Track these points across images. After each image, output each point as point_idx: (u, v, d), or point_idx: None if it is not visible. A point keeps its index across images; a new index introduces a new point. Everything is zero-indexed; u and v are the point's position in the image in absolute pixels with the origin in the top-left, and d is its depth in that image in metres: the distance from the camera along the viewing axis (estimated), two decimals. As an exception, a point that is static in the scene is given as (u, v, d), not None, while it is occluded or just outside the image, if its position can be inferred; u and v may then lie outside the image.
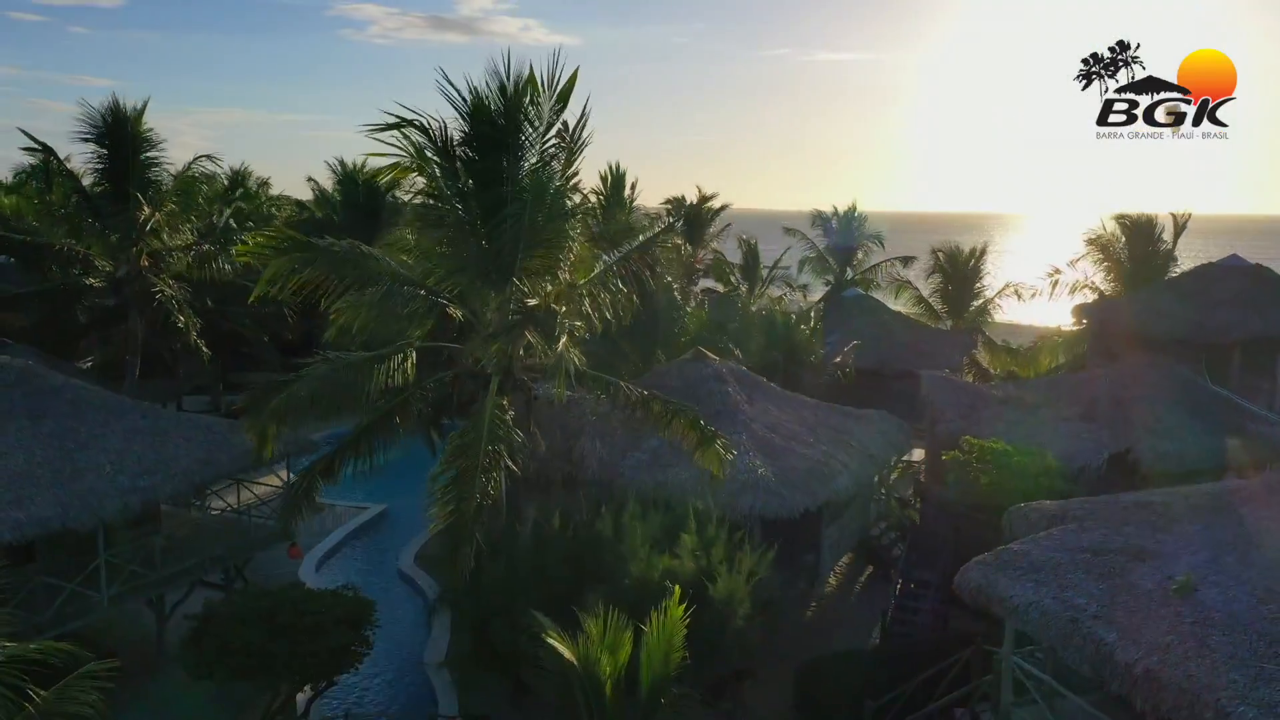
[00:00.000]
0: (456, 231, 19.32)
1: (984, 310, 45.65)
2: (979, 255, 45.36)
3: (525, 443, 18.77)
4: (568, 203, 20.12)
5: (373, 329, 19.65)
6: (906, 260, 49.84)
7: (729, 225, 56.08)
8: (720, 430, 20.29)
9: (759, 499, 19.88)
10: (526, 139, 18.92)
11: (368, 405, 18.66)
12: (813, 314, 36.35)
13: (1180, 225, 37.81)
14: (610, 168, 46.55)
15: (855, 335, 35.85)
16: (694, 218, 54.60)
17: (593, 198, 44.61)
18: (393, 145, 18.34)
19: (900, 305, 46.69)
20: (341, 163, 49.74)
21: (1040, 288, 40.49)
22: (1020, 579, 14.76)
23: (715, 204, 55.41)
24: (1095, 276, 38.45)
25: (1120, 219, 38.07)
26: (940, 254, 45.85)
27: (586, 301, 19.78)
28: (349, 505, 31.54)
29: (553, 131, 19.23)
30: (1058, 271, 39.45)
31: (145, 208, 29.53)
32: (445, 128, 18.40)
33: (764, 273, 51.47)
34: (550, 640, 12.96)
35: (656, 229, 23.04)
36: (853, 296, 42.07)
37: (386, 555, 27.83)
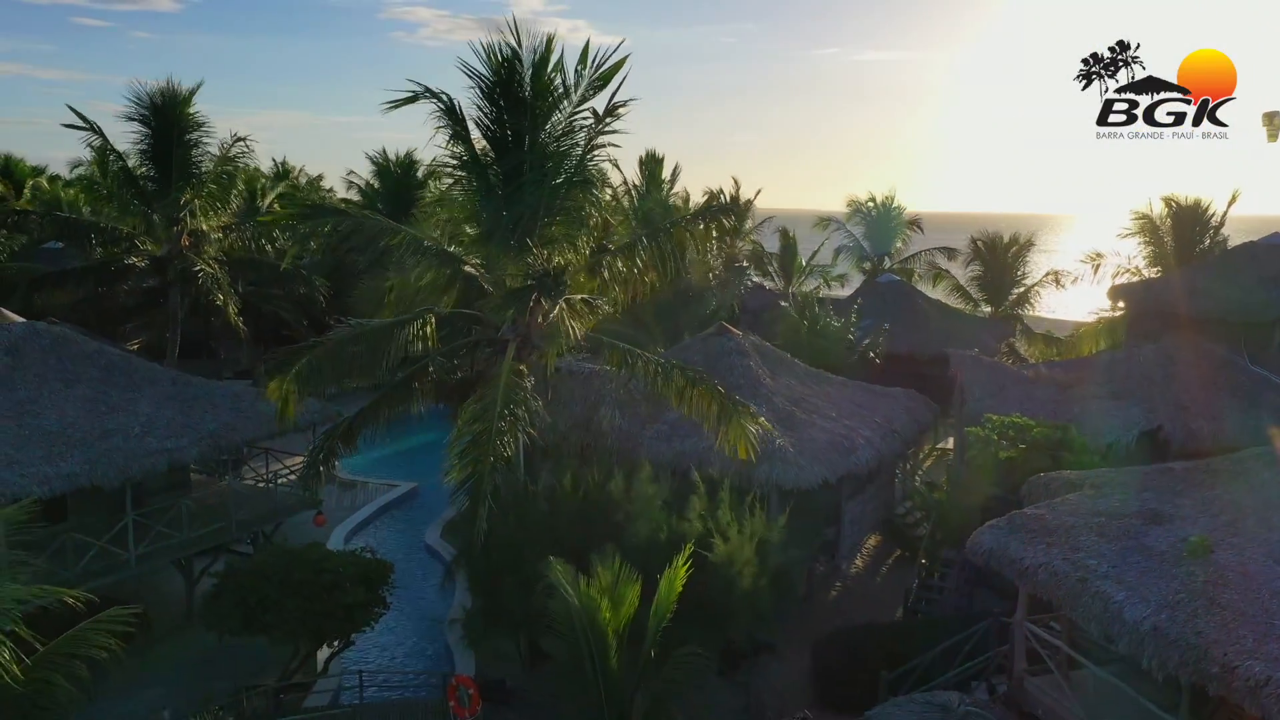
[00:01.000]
0: (481, 199, 19.54)
1: (1024, 299, 44.83)
2: (1020, 244, 44.55)
3: (542, 410, 18.86)
4: (591, 174, 20.14)
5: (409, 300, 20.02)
6: (950, 253, 49.02)
7: (770, 219, 55.92)
8: (748, 405, 20.16)
9: (775, 469, 19.78)
10: (553, 107, 19.00)
11: (388, 371, 18.89)
12: (854, 310, 35.83)
13: (1231, 202, 36.71)
14: (649, 154, 46.69)
15: (889, 320, 35.48)
16: (732, 210, 54.40)
17: (633, 179, 44.91)
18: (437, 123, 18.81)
19: (938, 294, 46.02)
20: (384, 153, 50.57)
21: (1082, 273, 39.56)
22: (1032, 541, 14.54)
23: (750, 195, 55.19)
24: (1138, 260, 37.54)
25: (1169, 200, 37.13)
26: (979, 242, 45.14)
27: (607, 272, 19.82)
28: (380, 482, 32.10)
29: (585, 106, 19.30)
30: (1099, 256, 38.62)
31: (187, 189, 30.22)
32: (458, 106, 18.60)
33: (801, 262, 51.11)
34: (556, 577, 13.03)
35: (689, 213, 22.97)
36: (888, 282, 41.62)
37: (414, 529, 28.23)
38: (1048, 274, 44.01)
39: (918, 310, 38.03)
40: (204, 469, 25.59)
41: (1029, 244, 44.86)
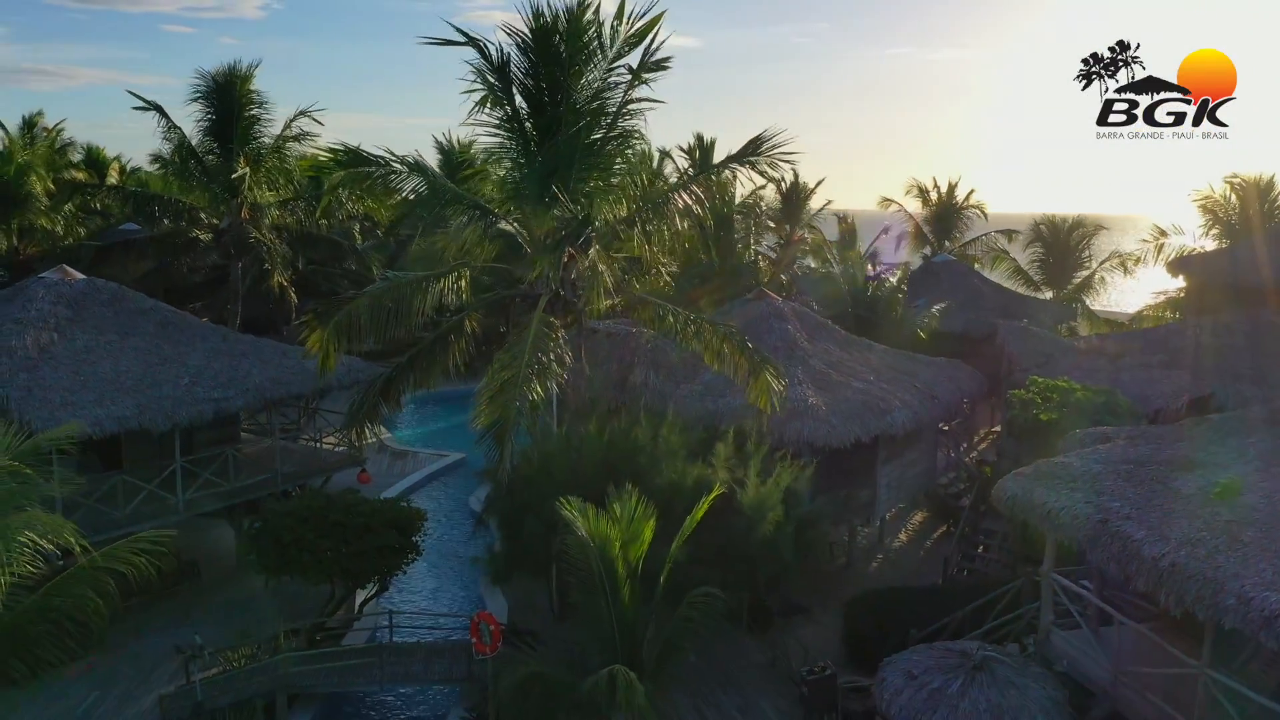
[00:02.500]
0: (517, 155, 19.84)
1: (1088, 284, 43.61)
2: (1084, 227, 43.45)
3: (571, 361, 19.08)
4: (631, 131, 20.27)
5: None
6: (1010, 235, 48.07)
7: (829, 203, 55.57)
8: (776, 365, 20.15)
9: (806, 426, 19.67)
10: (588, 61, 19.19)
11: (420, 324, 19.28)
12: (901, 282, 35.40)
13: None
14: (697, 137, 46.74)
15: (944, 299, 34.90)
16: (790, 197, 54.51)
17: (682, 161, 45.05)
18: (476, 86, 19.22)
19: (997, 276, 45.01)
20: (448, 136, 51.61)
21: (1144, 252, 38.24)
22: (1056, 487, 14.29)
23: (812, 181, 54.90)
24: (1203, 241, 36.29)
25: (1231, 179, 35.86)
26: (1041, 225, 44.16)
27: (639, 225, 19.95)
28: (430, 452, 32.84)
29: (620, 62, 19.48)
30: (1163, 235, 37.37)
31: (245, 162, 31.19)
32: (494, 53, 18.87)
33: (860, 249, 50.59)
34: (569, 512, 13.19)
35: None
36: (942, 261, 40.90)
37: (460, 494, 28.84)
38: (1112, 254, 42.73)
39: (972, 289, 37.24)
40: (256, 430, 26.46)
41: (1096, 228, 43.65)
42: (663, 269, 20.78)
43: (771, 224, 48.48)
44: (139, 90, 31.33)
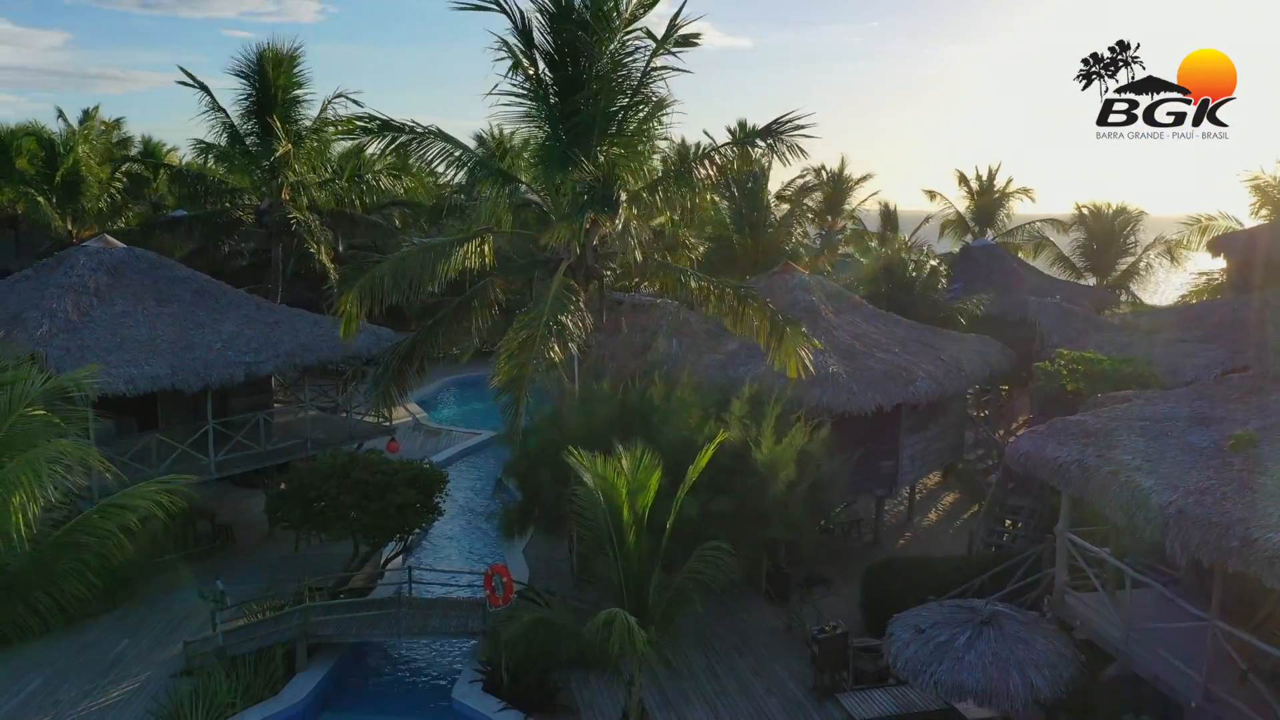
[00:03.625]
0: (541, 120, 20.09)
1: (1133, 272, 42.81)
2: (1129, 213, 42.68)
3: (594, 329, 19.26)
4: (660, 97, 20.38)
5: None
6: (1055, 224, 47.42)
7: (876, 193, 55.35)
8: (797, 322, 20.03)
9: (827, 392, 19.61)
10: (606, 23, 19.32)
11: (442, 287, 19.61)
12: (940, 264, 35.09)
13: None
14: (740, 123, 46.71)
15: (982, 284, 34.52)
16: (833, 186, 54.37)
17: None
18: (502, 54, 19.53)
19: (1039, 263, 44.41)
20: (490, 127, 52.27)
21: (1185, 236, 37.35)
22: (1069, 442, 14.15)
23: (856, 175, 54.87)
24: (1250, 221, 35.35)
25: None
26: (1084, 209, 43.44)
27: (661, 193, 20.07)
28: (464, 430, 33.30)
29: (636, 26, 19.62)
30: (1209, 219, 36.43)
31: (285, 143, 31.79)
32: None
33: (903, 238, 50.29)
34: (575, 461, 13.35)
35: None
36: (981, 246, 40.42)
37: (492, 469, 29.13)
38: (1157, 239, 41.84)
39: (1010, 273, 36.81)
40: (289, 399, 27.08)
41: (1139, 212, 42.86)
42: (689, 246, 20.80)
43: (812, 214, 48.51)
44: (197, 96, 32.04)
